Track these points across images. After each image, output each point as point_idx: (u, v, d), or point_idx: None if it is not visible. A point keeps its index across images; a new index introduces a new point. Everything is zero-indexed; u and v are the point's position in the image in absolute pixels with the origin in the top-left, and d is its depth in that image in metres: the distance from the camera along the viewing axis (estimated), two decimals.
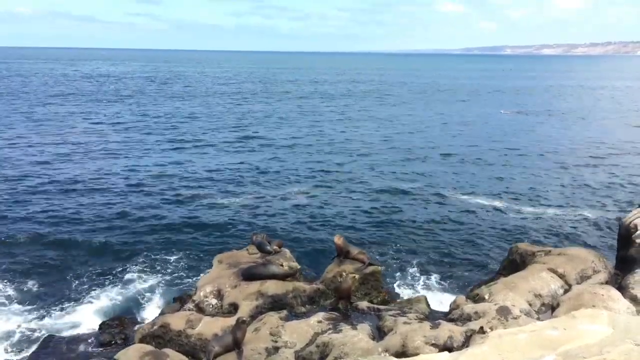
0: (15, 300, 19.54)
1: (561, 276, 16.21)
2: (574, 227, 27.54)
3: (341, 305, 14.96)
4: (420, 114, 73.66)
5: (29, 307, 19.10)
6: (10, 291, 20.17)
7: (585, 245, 23.18)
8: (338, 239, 17.47)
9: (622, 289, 15.51)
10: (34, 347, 16.41)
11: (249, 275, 16.14)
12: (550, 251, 17.99)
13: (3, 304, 19.21)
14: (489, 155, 45.08)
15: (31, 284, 20.79)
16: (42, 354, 16.01)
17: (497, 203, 31.33)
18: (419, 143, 50.39)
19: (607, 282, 16.10)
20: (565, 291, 15.33)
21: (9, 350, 16.44)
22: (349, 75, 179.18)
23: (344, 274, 16.84)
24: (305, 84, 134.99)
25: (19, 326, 17.83)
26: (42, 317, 18.41)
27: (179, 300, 17.88)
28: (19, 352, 16.34)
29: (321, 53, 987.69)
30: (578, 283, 15.86)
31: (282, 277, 16.30)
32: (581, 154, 46.14)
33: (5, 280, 20.94)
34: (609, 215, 29.21)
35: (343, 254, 17.39)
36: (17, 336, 17.24)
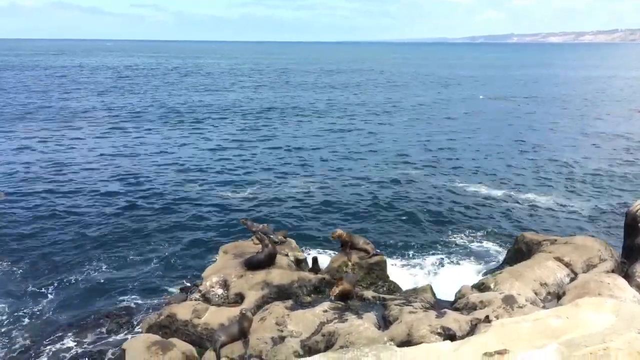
0: (21, 288, 19.72)
1: (567, 265, 16.17)
2: (580, 216, 27.44)
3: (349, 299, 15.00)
4: (423, 102, 73.38)
5: (36, 295, 19.28)
6: (19, 279, 20.35)
7: (592, 234, 23.06)
8: (340, 234, 17.48)
9: (628, 277, 15.49)
10: (41, 337, 16.62)
11: (250, 264, 16.26)
12: (556, 240, 17.94)
13: (11, 294, 19.39)
14: (492, 144, 44.88)
15: (39, 272, 20.97)
16: (49, 343, 16.22)
17: (502, 192, 31.22)
18: (421, 133, 50.22)
19: (613, 271, 16.06)
20: (572, 280, 15.30)
21: (18, 338, 16.60)
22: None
23: (349, 266, 16.92)
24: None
25: (25, 314, 18.00)
26: (49, 306, 18.56)
27: (185, 290, 18.01)
28: (26, 341, 16.49)
29: (327, 43, 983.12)
30: (584, 272, 15.83)
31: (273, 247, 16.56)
32: (586, 142, 45.87)
33: (15, 268, 21.16)
34: (616, 203, 29.08)
35: (348, 246, 17.43)
36: (23, 324, 17.41)
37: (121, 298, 19.19)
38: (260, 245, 16.79)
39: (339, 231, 17.63)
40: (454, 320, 12.63)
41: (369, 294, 15.41)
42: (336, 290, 14.46)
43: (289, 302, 14.65)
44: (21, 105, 64.72)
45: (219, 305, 15.19)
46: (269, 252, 16.41)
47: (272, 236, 17.68)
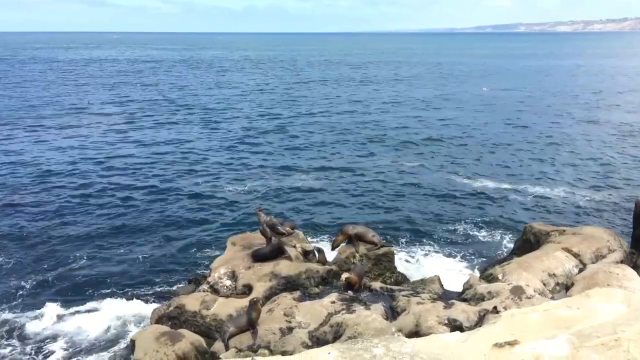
0: (28, 282, 19.86)
1: (576, 255, 16.09)
2: (589, 207, 27.31)
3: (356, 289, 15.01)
4: (423, 95, 73.06)
5: (44, 288, 19.42)
6: (24, 274, 20.49)
7: (601, 224, 22.94)
8: (346, 232, 17.44)
9: (637, 268, 15.41)
10: (51, 329, 16.76)
11: (256, 257, 16.31)
12: (564, 231, 17.85)
13: (17, 288, 19.53)
14: (499, 136, 44.65)
15: (45, 266, 21.10)
16: (59, 334, 16.36)
17: (510, 184, 31.09)
18: (424, 125, 49.99)
19: (622, 262, 15.98)
20: (580, 270, 15.22)
21: (25, 332, 16.74)
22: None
23: (357, 257, 16.93)
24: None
25: (35, 305, 18.14)
26: (58, 298, 18.69)
27: (193, 281, 18.10)
28: (37, 331, 16.64)
29: (332, 34, 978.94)
30: (593, 262, 15.75)
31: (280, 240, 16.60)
32: (595, 132, 45.55)
33: (20, 264, 21.31)
34: (625, 194, 28.90)
35: (356, 238, 17.42)
36: (33, 316, 17.56)
37: (130, 289, 19.30)
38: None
39: (340, 236, 17.57)
40: (462, 311, 12.62)
41: (376, 285, 15.43)
42: (346, 274, 14.46)
43: (297, 293, 14.68)
44: (29, 99, 64.94)
45: (227, 296, 15.25)
46: (271, 246, 16.46)
47: (279, 227, 17.70)
